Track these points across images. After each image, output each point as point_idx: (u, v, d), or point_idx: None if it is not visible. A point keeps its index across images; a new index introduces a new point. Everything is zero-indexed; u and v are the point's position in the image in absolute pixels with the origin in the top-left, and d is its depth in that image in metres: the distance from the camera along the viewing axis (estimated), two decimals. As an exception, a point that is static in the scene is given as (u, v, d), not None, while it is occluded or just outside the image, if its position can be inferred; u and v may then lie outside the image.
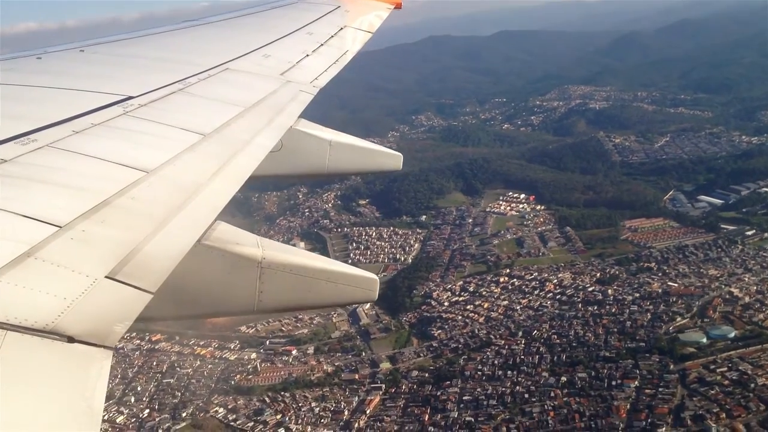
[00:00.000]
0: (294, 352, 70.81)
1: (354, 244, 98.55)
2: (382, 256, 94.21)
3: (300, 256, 5.95)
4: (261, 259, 5.49)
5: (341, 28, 13.05)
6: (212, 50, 10.38)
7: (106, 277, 3.68)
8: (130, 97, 6.78)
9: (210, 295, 5.43)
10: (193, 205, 4.87)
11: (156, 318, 5.13)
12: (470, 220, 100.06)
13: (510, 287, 76.35)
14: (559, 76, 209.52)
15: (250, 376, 66.63)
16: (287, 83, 9.13)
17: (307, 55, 10.85)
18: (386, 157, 10.16)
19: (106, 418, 61.68)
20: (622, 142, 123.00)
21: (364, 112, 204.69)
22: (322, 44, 11.71)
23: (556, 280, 75.32)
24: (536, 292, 73.78)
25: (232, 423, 59.40)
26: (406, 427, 56.06)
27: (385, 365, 66.41)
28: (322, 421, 58.63)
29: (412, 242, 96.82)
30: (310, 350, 71.09)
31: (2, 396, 2.76)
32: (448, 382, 60.67)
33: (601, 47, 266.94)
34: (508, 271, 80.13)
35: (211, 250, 5.20)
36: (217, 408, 61.48)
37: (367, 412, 59.09)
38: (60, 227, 3.91)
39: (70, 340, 3.20)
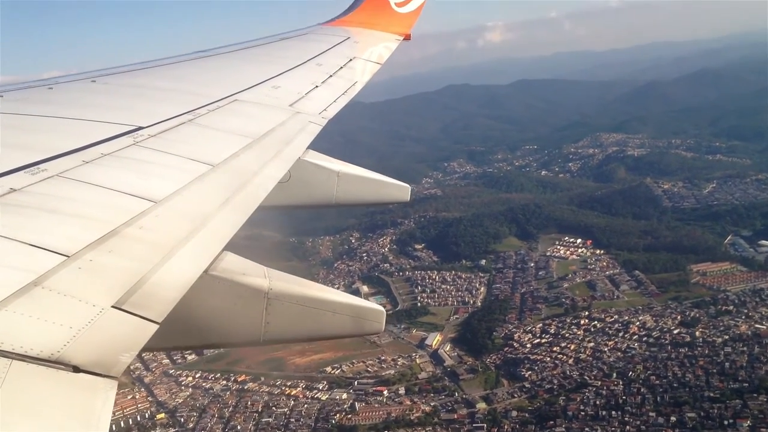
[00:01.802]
0: (385, 392, 71.78)
1: (419, 288, 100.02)
2: (450, 299, 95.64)
3: (307, 287, 5.92)
4: (268, 289, 5.48)
5: (350, 59, 13.19)
6: (221, 81, 10.50)
7: (113, 306, 3.72)
8: (140, 128, 6.86)
9: (217, 326, 5.38)
10: (200, 236, 4.92)
11: (162, 348, 5.75)
12: (532, 264, 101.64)
13: (592, 329, 77.65)
14: (585, 124, 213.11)
15: (349, 416, 67.57)
16: (296, 114, 9.19)
17: (316, 86, 10.97)
18: (394, 188, 10.16)
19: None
20: (670, 188, 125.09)
21: (392, 159, 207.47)
22: (331, 75, 11.84)
23: (638, 323, 76.59)
24: (621, 334, 75.01)
25: (342, 462, 60.33)
26: (520, 466, 57.06)
27: (481, 405, 67.39)
28: (433, 459, 59.57)
29: (477, 285, 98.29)
30: (401, 390, 72.11)
31: (7, 425, 2.76)
32: (552, 422, 61.67)
33: (621, 96, 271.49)
34: (586, 313, 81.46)
35: (218, 281, 5.19)
36: (324, 447, 62.44)
37: (475, 451, 60.07)
38: (68, 257, 3.95)
39: (76, 369, 3.22)
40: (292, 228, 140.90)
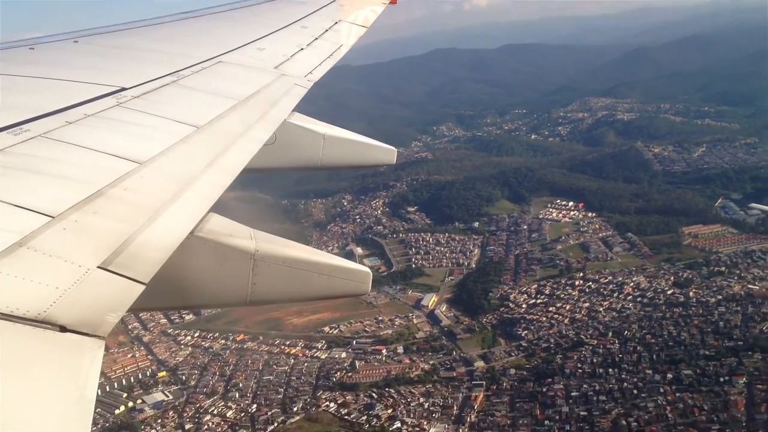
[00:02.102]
0: (384, 351, 72.72)
1: (413, 250, 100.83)
2: (444, 260, 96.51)
3: (293, 248, 5.94)
4: (254, 251, 5.50)
5: (336, 22, 13.06)
6: (206, 42, 10.38)
7: (99, 267, 3.71)
8: (124, 89, 6.77)
9: (203, 287, 5.41)
10: (186, 197, 4.90)
11: (149, 308, 5.61)
12: (525, 227, 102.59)
13: (587, 290, 78.86)
14: (573, 89, 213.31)
15: (350, 374, 68.47)
16: (281, 76, 9.10)
17: (302, 49, 10.82)
18: (381, 151, 10.04)
19: (214, 412, 63.64)
20: (660, 152, 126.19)
21: (381, 122, 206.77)
22: (316, 38, 11.71)
23: (632, 284, 77.81)
24: (615, 295, 76.24)
25: (345, 417, 61.29)
26: (520, 421, 58.26)
27: (479, 364, 68.55)
28: (434, 415, 60.65)
29: (471, 247, 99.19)
30: (400, 349, 73.17)
31: None
32: (550, 379, 62.91)
33: (610, 61, 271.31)
34: (581, 274, 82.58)
35: (204, 242, 5.19)
36: (327, 403, 63.35)
37: (475, 407, 61.21)
38: (53, 217, 3.93)
39: (63, 329, 3.22)
40: (283, 190, 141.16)
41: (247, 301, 5.62)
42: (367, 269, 6.23)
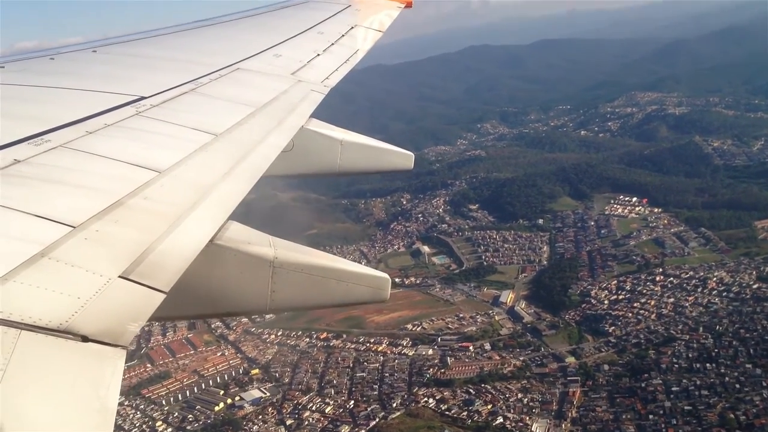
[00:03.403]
0: (471, 348, 73.54)
1: (481, 247, 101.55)
2: (514, 257, 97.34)
3: (312, 255, 5.94)
4: (273, 258, 5.52)
5: (352, 27, 13.02)
6: (223, 50, 10.44)
7: (120, 276, 3.74)
8: (143, 98, 6.84)
9: (223, 295, 5.43)
10: (205, 205, 4.93)
11: (170, 317, 5.21)
12: (592, 223, 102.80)
13: (669, 285, 79.06)
14: (614, 83, 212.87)
15: (442, 370, 69.40)
16: (298, 83, 9.16)
17: (318, 55, 10.88)
18: (398, 156, 9.98)
19: (312, 408, 64.99)
20: (720, 146, 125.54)
21: (422, 121, 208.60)
22: (333, 43, 11.73)
23: (715, 278, 77.89)
24: (700, 290, 76.39)
25: (446, 412, 62.25)
26: (622, 416, 58.85)
27: (570, 359, 69.16)
28: (534, 411, 61.45)
29: (539, 244, 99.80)
30: (487, 346, 73.90)
31: (17, 395, 2.79)
32: (647, 375, 63.38)
33: (646, 55, 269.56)
34: (660, 270, 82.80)
35: (224, 250, 5.22)
36: (426, 399, 64.35)
37: (574, 402, 61.89)
38: (74, 227, 3.96)
39: (84, 339, 3.24)
40: (338, 191, 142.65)
41: (266, 308, 5.71)
42: (386, 276, 6.23)
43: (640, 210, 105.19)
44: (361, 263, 79.03)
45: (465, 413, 61.83)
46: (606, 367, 66.58)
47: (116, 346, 3.33)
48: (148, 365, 75.61)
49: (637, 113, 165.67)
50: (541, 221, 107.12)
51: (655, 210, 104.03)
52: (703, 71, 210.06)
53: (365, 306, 79.40)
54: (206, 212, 4.87)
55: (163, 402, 68.84)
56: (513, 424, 59.70)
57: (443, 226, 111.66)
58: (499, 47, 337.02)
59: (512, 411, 61.61)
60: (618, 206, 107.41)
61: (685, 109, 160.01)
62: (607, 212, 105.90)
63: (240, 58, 9.51)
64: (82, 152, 5.14)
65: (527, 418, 60.28)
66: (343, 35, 12.32)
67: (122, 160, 5.19)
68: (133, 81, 7.66)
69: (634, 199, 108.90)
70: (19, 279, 3.34)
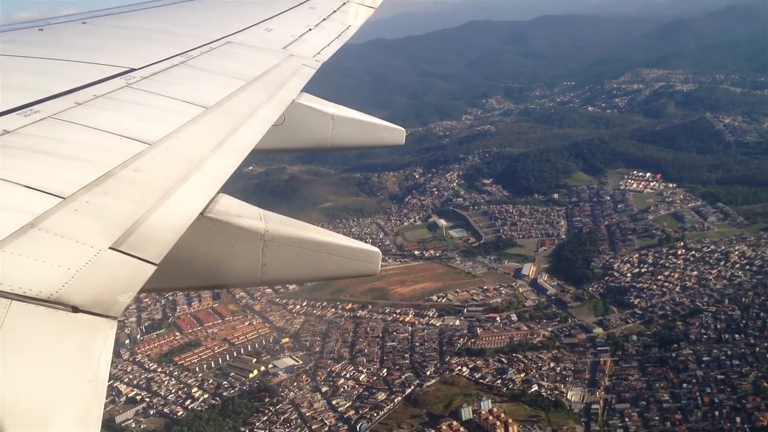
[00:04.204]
0: (498, 319, 74.49)
1: (498, 221, 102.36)
2: (533, 231, 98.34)
3: (303, 229, 5.91)
4: (264, 231, 5.50)
5: (344, 3, 12.91)
6: (214, 23, 10.32)
7: (110, 248, 3.72)
8: (132, 69, 6.78)
9: (214, 267, 5.43)
10: (196, 178, 4.91)
11: (161, 289, 5.22)
12: (608, 198, 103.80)
13: (692, 258, 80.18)
14: (618, 60, 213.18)
15: (472, 340, 70.36)
16: (289, 57, 9.07)
17: (310, 30, 10.75)
18: (389, 131, 9.88)
19: (347, 375, 65.85)
20: (731, 122, 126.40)
21: (425, 96, 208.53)
22: (324, 19, 11.60)
23: (737, 252, 79.03)
24: (722, 263, 77.58)
25: (480, 380, 63.27)
26: (655, 385, 60.02)
27: (598, 330, 70.29)
28: (567, 379, 62.58)
29: (556, 218, 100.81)
30: (514, 317, 74.86)
31: (8, 365, 2.79)
32: (676, 345, 64.50)
33: (650, 32, 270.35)
34: (681, 243, 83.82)
35: (215, 223, 5.22)
36: (459, 367, 65.36)
37: (606, 371, 63.03)
38: (64, 198, 3.93)
39: (75, 309, 3.23)
40: (347, 164, 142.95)
41: (257, 281, 5.69)
42: (376, 250, 6.21)
43: (654, 185, 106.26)
44: (379, 236, 79.34)
45: (499, 381, 62.87)
46: (634, 337, 67.70)
47: (107, 316, 3.31)
48: (177, 333, 76.28)
49: (644, 90, 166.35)
50: (556, 196, 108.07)
51: (670, 185, 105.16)
52: (707, 49, 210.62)
53: (389, 277, 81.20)
54: (197, 185, 4.85)
55: (197, 369, 69.58)
56: (548, 392, 60.71)
57: (458, 199, 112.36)
58: (501, 23, 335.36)
59: (546, 379, 62.65)
60: (632, 181, 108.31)
61: (692, 86, 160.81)
62: (622, 187, 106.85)
63: (231, 32, 9.43)
64: (71, 123, 5.10)
65: (562, 386, 61.35)
66: (335, 11, 12.22)
67: (112, 131, 5.16)
68: (123, 53, 7.58)
69: (648, 174, 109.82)
70: (9, 249, 3.32)
